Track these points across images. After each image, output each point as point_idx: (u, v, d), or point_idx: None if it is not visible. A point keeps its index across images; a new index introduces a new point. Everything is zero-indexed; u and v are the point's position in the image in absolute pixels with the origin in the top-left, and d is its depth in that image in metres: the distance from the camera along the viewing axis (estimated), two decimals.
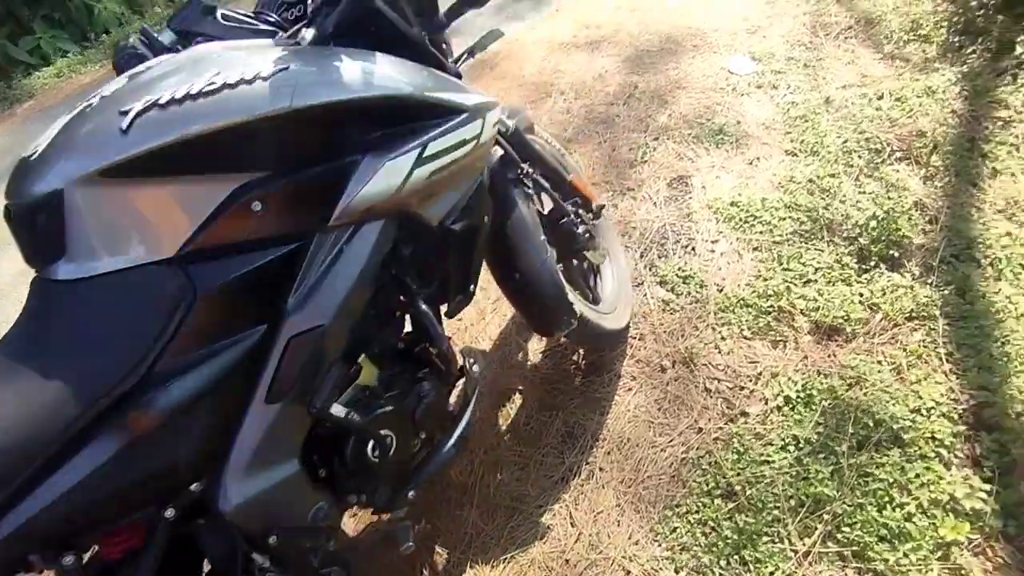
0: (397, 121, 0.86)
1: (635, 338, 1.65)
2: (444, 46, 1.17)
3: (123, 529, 0.77)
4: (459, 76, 1.10)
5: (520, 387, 1.61)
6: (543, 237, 1.25)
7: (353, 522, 1.47)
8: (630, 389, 1.55)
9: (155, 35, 0.92)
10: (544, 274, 1.23)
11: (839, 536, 1.19)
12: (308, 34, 0.89)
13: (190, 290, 0.73)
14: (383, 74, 0.85)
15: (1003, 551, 1.11)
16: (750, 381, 1.49)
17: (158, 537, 0.78)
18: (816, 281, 1.63)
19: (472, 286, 1.12)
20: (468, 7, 1.11)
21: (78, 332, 0.72)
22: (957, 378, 1.35)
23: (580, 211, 1.44)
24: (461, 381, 1.17)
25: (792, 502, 1.25)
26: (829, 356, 1.49)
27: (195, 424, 0.76)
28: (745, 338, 1.58)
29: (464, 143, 0.94)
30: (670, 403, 1.50)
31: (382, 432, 0.98)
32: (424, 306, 1.02)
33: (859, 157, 1.93)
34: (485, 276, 1.21)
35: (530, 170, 1.24)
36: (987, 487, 1.16)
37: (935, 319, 1.48)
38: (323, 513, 0.93)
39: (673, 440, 1.43)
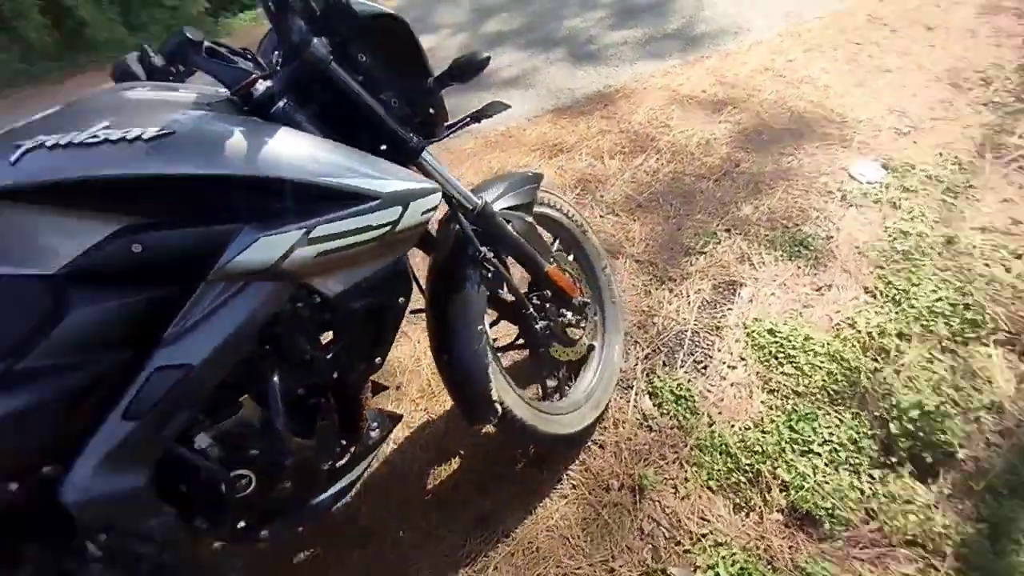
0: (281, 200, 0.87)
1: (595, 444, 1.53)
2: (431, 111, 1.16)
3: None
4: (420, 150, 1.09)
5: (462, 451, 1.57)
6: (481, 326, 1.20)
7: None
8: (565, 496, 1.45)
9: (151, 54, 1.01)
10: (471, 363, 1.19)
11: None
12: (261, 87, 0.93)
13: (62, 305, 0.80)
14: (277, 154, 0.86)
15: None
16: (690, 539, 1.32)
17: None
18: (818, 455, 1.39)
19: (379, 359, 1.11)
20: (453, 80, 1.09)
21: None
22: None
23: (549, 304, 1.36)
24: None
25: None
26: (790, 548, 1.27)
27: (48, 418, 0.84)
28: (709, 489, 1.40)
29: (369, 228, 0.93)
30: (597, 529, 1.38)
31: (240, 472, 1.02)
32: (321, 365, 1.04)
33: (946, 324, 1.59)
34: None
35: (489, 254, 1.19)
36: None
37: (942, 556, 1.20)
38: (163, 528, 0.99)
39: (580, 569, 1.32)
